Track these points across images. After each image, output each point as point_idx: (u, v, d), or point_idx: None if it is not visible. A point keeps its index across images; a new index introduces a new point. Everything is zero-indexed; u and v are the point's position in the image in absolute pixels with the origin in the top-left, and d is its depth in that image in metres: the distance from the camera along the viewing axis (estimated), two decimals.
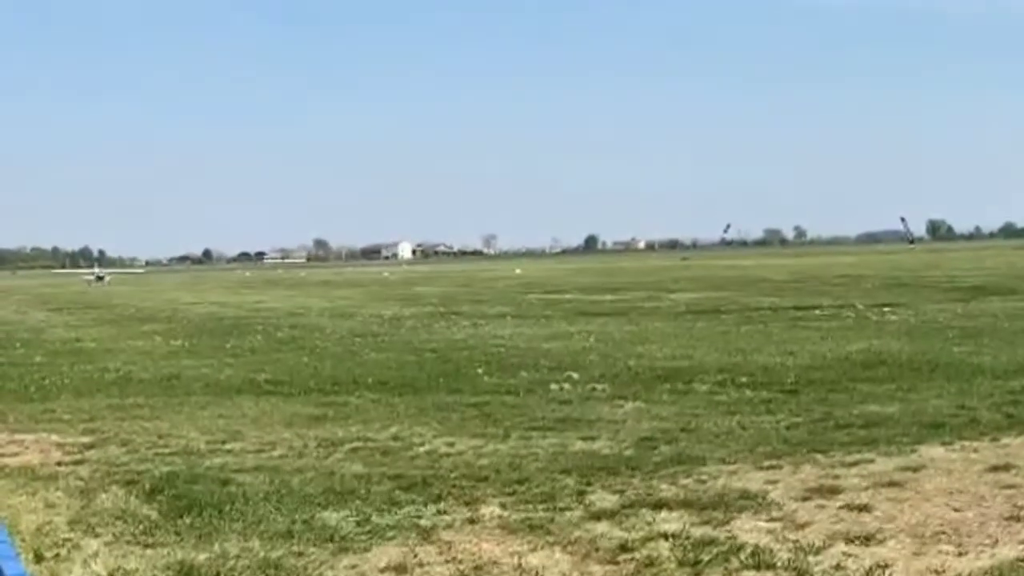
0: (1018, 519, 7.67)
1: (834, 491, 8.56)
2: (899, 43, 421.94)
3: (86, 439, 12.08)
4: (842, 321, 26.15)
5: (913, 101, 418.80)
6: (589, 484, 9.05)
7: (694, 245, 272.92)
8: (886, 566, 6.77)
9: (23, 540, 7.70)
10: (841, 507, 8.11)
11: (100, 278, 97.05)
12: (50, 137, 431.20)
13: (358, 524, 8.04)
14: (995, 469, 9.17)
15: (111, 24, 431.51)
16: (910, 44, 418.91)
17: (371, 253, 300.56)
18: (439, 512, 8.34)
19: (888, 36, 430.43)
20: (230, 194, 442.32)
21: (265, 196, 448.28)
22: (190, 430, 12.48)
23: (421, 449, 10.93)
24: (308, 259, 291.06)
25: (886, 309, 29.51)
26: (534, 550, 7.31)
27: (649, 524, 7.78)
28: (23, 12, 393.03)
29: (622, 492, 8.76)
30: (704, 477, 9.21)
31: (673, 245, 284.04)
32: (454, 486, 9.12)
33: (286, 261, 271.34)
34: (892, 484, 8.74)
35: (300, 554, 7.36)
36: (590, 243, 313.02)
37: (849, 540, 7.27)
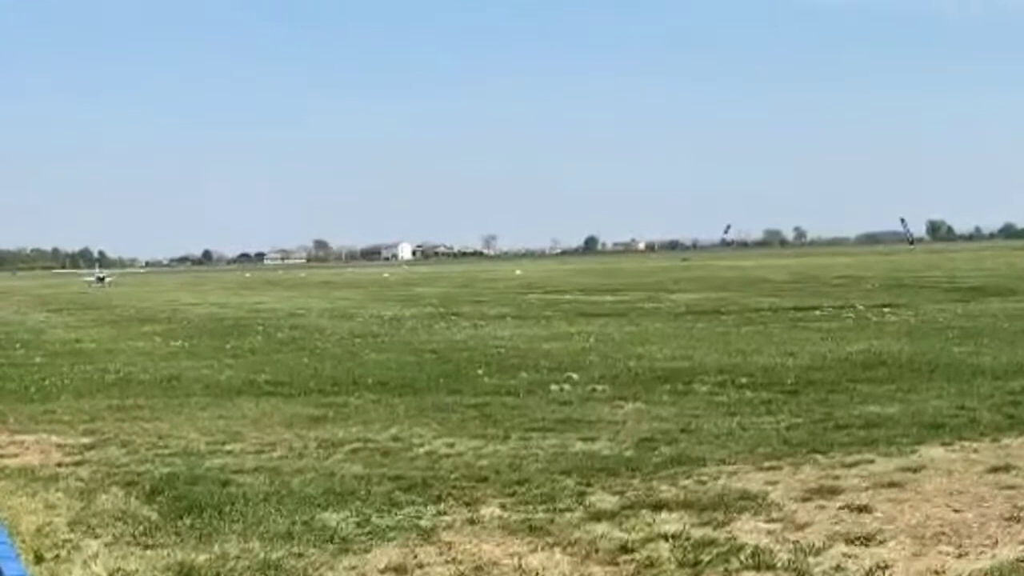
0: (1018, 520, 7.67)
1: (834, 492, 8.56)
2: (899, 44, 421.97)
3: (86, 440, 12.09)
4: (842, 322, 26.15)
5: (913, 101, 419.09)
6: (589, 485, 9.05)
7: (694, 246, 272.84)
8: (886, 567, 6.77)
9: (23, 541, 7.70)
10: (841, 508, 8.11)
11: (101, 279, 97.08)
12: (50, 137, 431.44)
13: (358, 525, 8.04)
14: (995, 470, 9.17)
15: (111, 24, 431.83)
16: (909, 45, 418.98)
17: (371, 254, 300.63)
18: (439, 513, 8.34)
19: (888, 37, 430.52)
20: (230, 195, 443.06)
21: (265, 197, 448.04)
22: (190, 431, 12.49)
23: (421, 450, 10.94)
24: (308, 260, 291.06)
25: (886, 310, 29.52)
26: (534, 551, 7.32)
27: (649, 525, 7.79)
28: (23, 12, 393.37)
29: (622, 493, 8.76)
30: (704, 478, 9.21)
31: (673, 246, 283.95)
32: (454, 487, 9.13)
33: (286, 262, 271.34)
34: (892, 485, 8.74)
35: (300, 555, 7.36)
36: (590, 244, 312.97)
37: (849, 541, 7.28)
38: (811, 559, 6.93)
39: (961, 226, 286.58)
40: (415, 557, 7.27)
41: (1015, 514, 7.81)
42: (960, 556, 6.95)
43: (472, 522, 8.06)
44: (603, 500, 8.56)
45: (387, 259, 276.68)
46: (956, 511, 7.96)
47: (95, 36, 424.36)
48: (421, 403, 14.20)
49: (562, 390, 15.05)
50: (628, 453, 10.38)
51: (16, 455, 11.37)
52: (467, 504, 8.57)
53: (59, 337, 29.98)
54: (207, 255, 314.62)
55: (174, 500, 8.93)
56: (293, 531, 7.88)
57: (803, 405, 13.00)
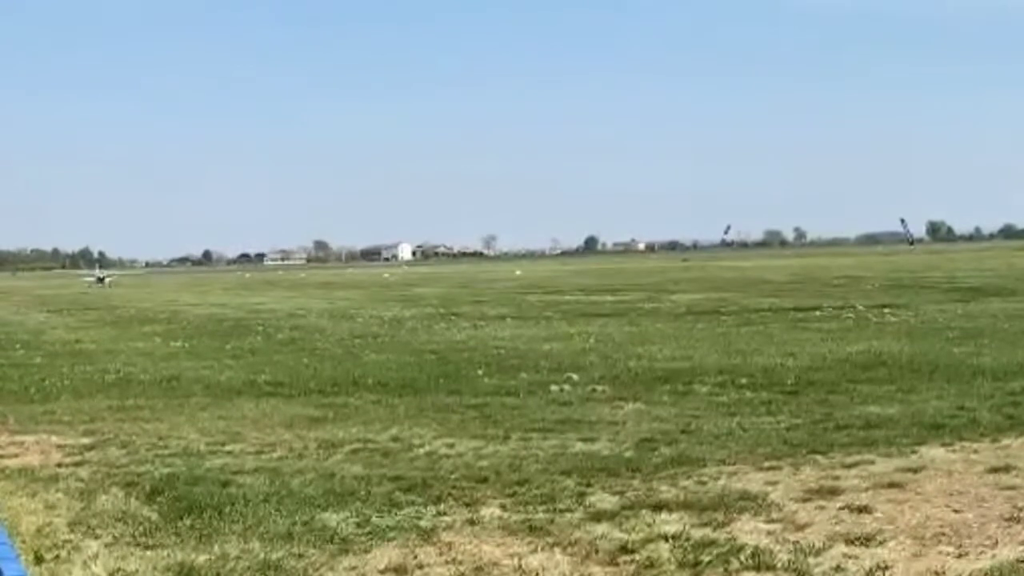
0: (1018, 520, 7.68)
1: (834, 492, 8.57)
2: (898, 44, 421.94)
3: (86, 440, 12.09)
4: (842, 322, 26.15)
5: (913, 102, 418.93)
6: (589, 485, 9.06)
7: (694, 246, 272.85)
8: (886, 567, 6.77)
9: (23, 541, 7.70)
10: (841, 508, 8.11)
11: (101, 279, 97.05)
12: (50, 138, 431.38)
13: (358, 525, 8.04)
14: (995, 470, 9.17)
15: (111, 24, 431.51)
16: (909, 45, 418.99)
17: (371, 254, 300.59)
18: (439, 513, 8.34)
19: (887, 37, 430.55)
20: (230, 195, 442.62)
21: (265, 197, 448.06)
22: (190, 431, 12.49)
23: (421, 450, 10.94)
24: (308, 260, 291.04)
25: (886, 310, 29.51)
26: (534, 551, 7.32)
27: (649, 525, 7.79)
28: (23, 12, 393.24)
29: (622, 493, 8.76)
30: (704, 478, 9.22)
31: (673, 246, 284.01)
32: (454, 487, 9.13)
33: (286, 262, 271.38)
34: (892, 485, 8.75)
35: (300, 555, 7.36)
36: (590, 244, 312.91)
37: (849, 541, 7.28)
38: (811, 559, 6.93)
39: (961, 227, 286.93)
40: (415, 557, 7.27)
41: (1015, 514, 7.81)
42: (960, 556, 6.95)
43: (472, 522, 8.07)
44: (603, 500, 8.57)
45: (387, 259, 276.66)
46: (956, 511, 7.96)
47: (95, 36, 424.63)
48: (421, 404, 14.20)
49: (562, 390, 15.05)
50: (628, 453, 10.39)
51: (16, 455, 11.37)
52: (467, 504, 8.57)
53: (59, 337, 29.98)
54: (207, 255, 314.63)
55: (174, 500, 8.93)
56: (293, 531, 7.88)
57: (803, 405, 13.00)
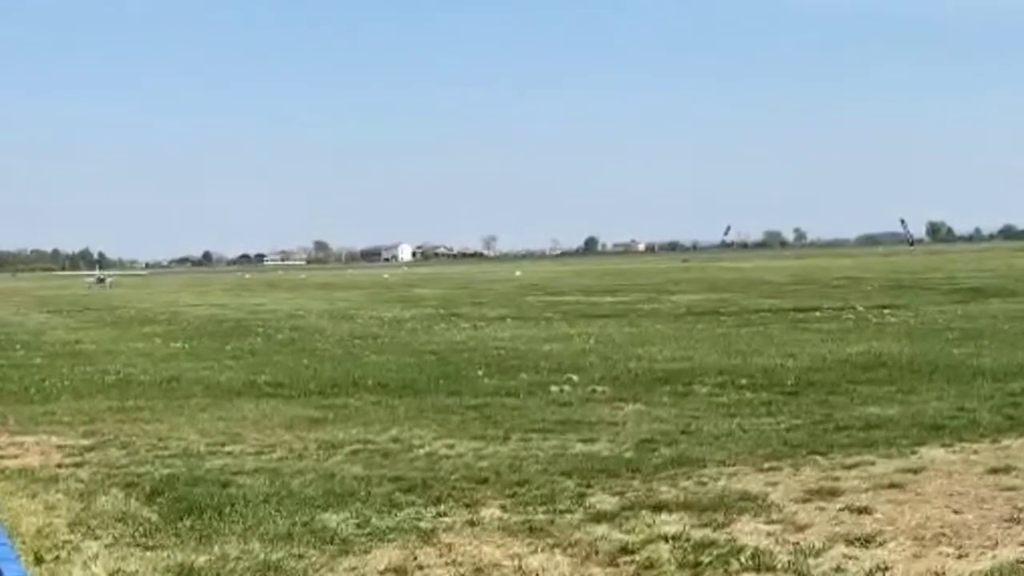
0: (1018, 521, 7.67)
1: (834, 493, 8.56)
2: (898, 44, 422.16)
3: (86, 441, 12.09)
4: (842, 323, 26.15)
5: (912, 102, 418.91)
6: (589, 486, 9.06)
7: (694, 247, 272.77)
8: (886, 568, 6.77)
9: (23, 542, 7.70)
10: (841, 509, 8.11)
11: (101, 280, 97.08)
12: (50, 138, 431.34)
13: (358, 526, 8.04)
14: (995, 471, 9.17)
15: (111, 24, 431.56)
16: (909, 45, 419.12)
17: (371, 255, 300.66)
18: (439, 514, 8.34)
19: (887, 38, 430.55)
20: (230, 196, 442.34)
21: (265, 198, 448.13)
22: (190, 432, 12.49)
23: (421, 451, 10.94)
24: (308, 261, 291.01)
25: (886, 311, 29.52)
26: (534, 552, 7.32)
27: (649, 526, 7.79)
28: (23, 12, 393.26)
29: (622, 494, 8.76)
30: (704, 479, 9.22)
31: (673, 247, 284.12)
32: (454, 488, 9.13)
33: (286, 263, 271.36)
34: (892, 486, 8.75)
35: (300, 556, 7.36)
36: (590, 245, 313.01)
37: (849, 542, 7.28)
38: (811, 560, 6.93)
39: (961, 227, 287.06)
40: (415, 558, 7.27)
41: (1015, 515, 7.81)
42: (960, 557, 6.95)
43: (472, 523, 8.06)
44: (603, 501, 8.57)
45: (387, 260, 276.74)
46: (956, 512, 7.96)
47: (95, 36, 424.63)
48: (421, 404, 14.20)
49: (562, 391, 15.05)
50: (628, 454, 10.39)
51: (16, 456, 11.37)
52: (467, 505, 8.57)
53: (59, 338, 29.98)
54: (207, 256, 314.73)
55: (174, 501, 8.93)
56: (293, 532, 7.88)
57: (803, 406, 13.00)
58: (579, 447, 10.86)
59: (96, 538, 7.96)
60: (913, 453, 10.01)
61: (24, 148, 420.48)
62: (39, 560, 7.41)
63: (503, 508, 8.46)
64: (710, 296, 42.99)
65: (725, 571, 6.84)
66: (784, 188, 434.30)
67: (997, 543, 7.21)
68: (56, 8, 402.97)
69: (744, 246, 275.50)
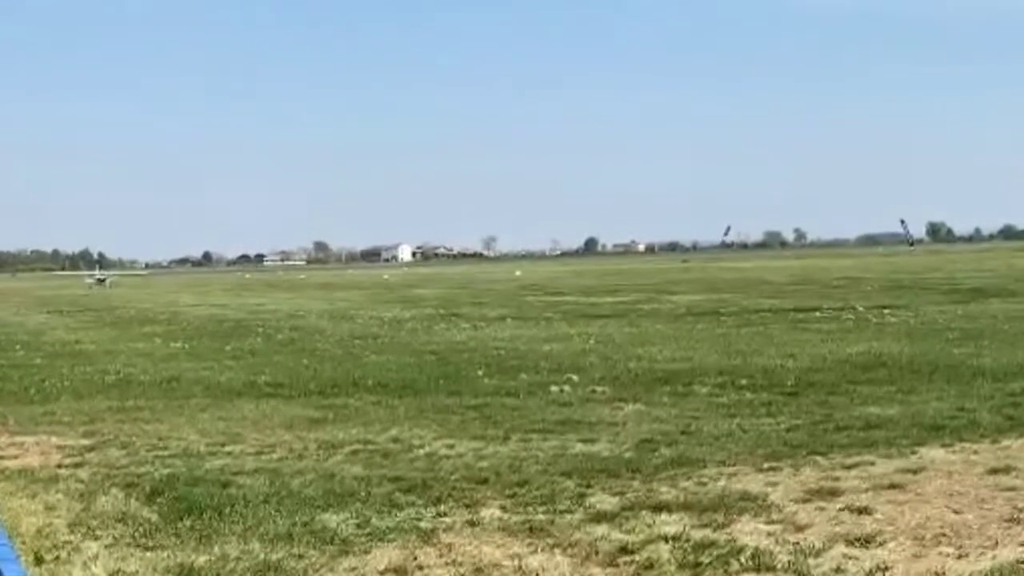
0: (1018, 521, 7.67)
1: (834, 493, 8.57)
2: (898, 45, 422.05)
3: (86, 441, 12.09)
4: (842, 323, 26.15)
5: (912, 102, 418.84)
6: (589, 486, 9.06)
7: (694, 247, 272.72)
8: (886, 568, 6.77)
9: (23, 542, 7.70)
10: (841, 509, 8.11)
11: (101, 281, 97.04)
12: (50, 138, 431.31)
13: (358, 526, 8.04)
14: (995, 471, 9.17)
15: (111, 24, 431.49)
16: (908, 46, 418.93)
17: (371, 255, 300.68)
18: (439, 514, 8.34)
19: (887, 38, 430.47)
20: (230, 196, 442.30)
21: (265, 198, 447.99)
22: (190, 432, 12.49)
23: (421, 451, 10.93)
24: (308, 261, 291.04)
25: (886, 311, 29.52)
26: (534, 552, 7.32)
27: (649, 526, 7.79)
28: (23, 12, 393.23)
29: (622, 494, 8.76)
30: (704, 479, 9.22)
31: (673, 247, 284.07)
32: (454, 488, 9.13)
33: (286, 263, 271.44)
34: (892, 486, 8.75)
35: (300, 556, 7.36)
36: (590, 245, 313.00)
37: (849, 542, 7.28)
38: (811, 560, 6.93)
39: (961, 228, 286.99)
40: (415, 559, 7.27)
41: (1015, 515, 7.81)
42: (960, 557, 6.95)
43: (472, 524, 8.07)
44: (603, 501, 8.57)
45: (387, 260, 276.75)
46: (956, 512, 7.96)
47: (95, 36, 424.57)
48: (421, 404, 14.20)
49: (562, 391, 15.04)
50: (628, 454, 10.38)
51: (16, 456, 11.37)
52: (467, 506, 8.57)
53: (59, 338, 29.98)
54: (207, 256, 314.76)
55: (174, 501, 8.93)
56: (293, 532, 7.88)
57: (803, 407, 13.00)
58: (579, 447, 10.86)
59: (96, 538, 7.96)
60: (913, 453, 10.01)
61: (24, 148, 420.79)
62: (39, 560, 7.41)
63: (503, 508, 8.46)
64: (710, 296, 42.99)
65: (725, 571, 6.84)
66: (784, 188, 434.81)
67: (997, 543, 7.21)
68: (56, 8, 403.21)
69: (744, 246, 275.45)
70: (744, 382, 15.25)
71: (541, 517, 8.15)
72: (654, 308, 35.85)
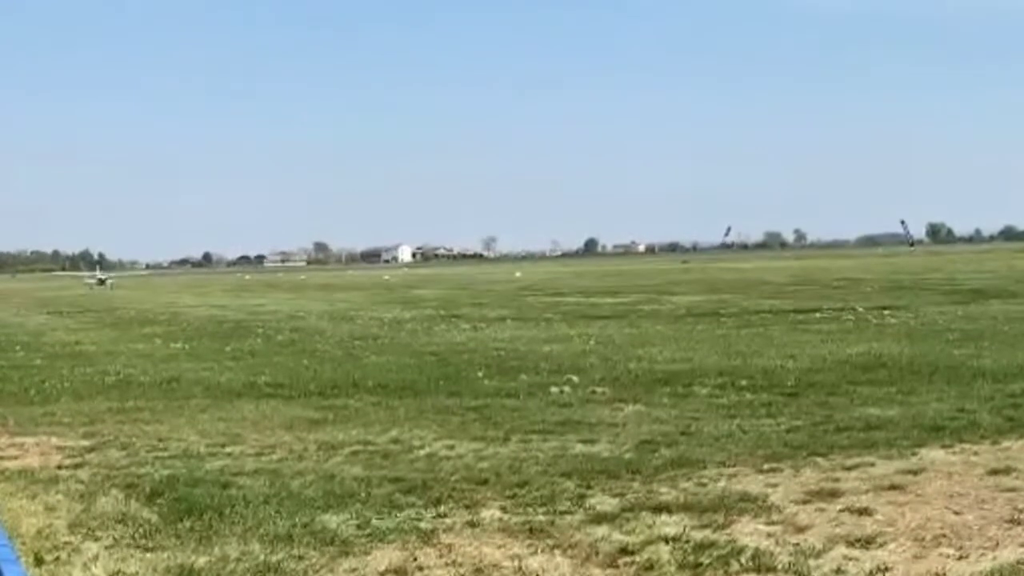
0: (1019, 522, 7.68)
1: (834, 494, 8.57)
2: (898, 45, 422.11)
3: (86, 442, 12.09)
4: (842, 324, 26.15)
5: (912, 103, 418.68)
6: (589, 487, 9.06)
7: (694, 248, 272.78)
8: (886, 569, 6.77)
9: (23, 543, 7.70)
10: (841, 510, 8.11)
11: (102, 281, 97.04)
12: (50, 138, 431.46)
13: (358, 527, 8.04)
14: (995, 472, 9.17)
15: (111, 24, 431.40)
16: (909, 46, 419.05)
17: (371, 256, 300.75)
18: (439, 515, 8.34)
19: (887, 39, 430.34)
20: (230, 197, 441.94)
21: (265, 199, 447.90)
22: (190, 433, 12.49)
23: (421, 452, 10.94)
24: (308, 262, 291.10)
25: (886, 312, 29.51)
26: (534, 553, 7.32)
27: (649, 527, 7.79)
28: (23, 12, 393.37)
29: (622, 495, 8.76)
30: (704, 480, 9.22)
31: (673, 248, 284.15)
32: (454, 489, 9.13)
33: (286, 264, 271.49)
34: (892, 487, 8.75)
35: (300, 557, 7.36)
36: (590, 246, 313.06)
37: (849, 543, 7.28)
38: (811, 561, 6.93)
39: (961, 228, 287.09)
40: (415, 559, 7.27)
41: (1015, 516, 7.81)
42: (961, 558, 6.95)
43: (472, 524, 8.07)
44: (603, 502, 8.57)
45: (387, 261, 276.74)
46: (956, 513, 7.96)
47: (95, 36, 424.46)
48: (421, 405, 14.20)
49: (562, 392, 15.04)
50: (628, 455, 10.38)
51: (16, 457, 11.37)
52: (467, 506, 8.57)
53: (59, 339, 29.98)
54: (207, 257, 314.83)
55: (174, 502, 8.93)
56: (293, 533, 7.88)
57: (803, 407, 13.00)
58: (579, 448, 10.85)
59: (96, 539, 7.96)
60: (913, 454, 10.01)
61: (24, 148, 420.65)
62: (39, 561, 7.41)
63: (503, 509, 8.46)
64: (710, 297, 42.99)
65: (725, 572, 6.84)
66: (784, 189, 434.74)
67: (997, 544, 7.21)
68: (56, 8, 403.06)
69: (744, 247, 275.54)
70: (744, 383, 15.25)
71: (541, 518, 8.15)
72: (654, 309, 35.85)
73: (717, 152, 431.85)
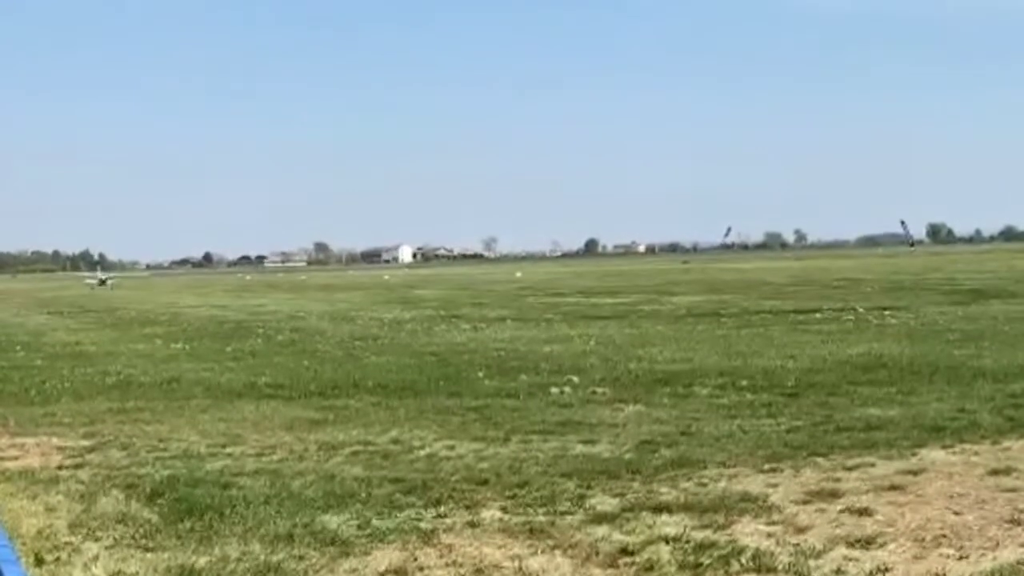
0: (1019, 522, 7.67)
1: (835, 494, 8.57)
2: (898, 45, 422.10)
3: (87, 442, 12.09)
4: (842, 324, 26.15)
5: (912, 103, 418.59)
6: (589, 487, 9.06)
7: (695, 248, 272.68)
8: (887, 570, 6.77)
9: (24, 543, 7.70)
10: (842, 511, 8.11)
11: (103, 282, 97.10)
12: (50, 138, 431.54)
13: (359, 527, 8.05)
14: (996, 472, 9.17)
15: (111, 24, 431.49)
16: (909, 47, 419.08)
17: (371, 256, 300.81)
18: (439, 515, 8.34)
19: (887, 39, 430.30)
20: (230, 197, 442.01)
21: (265, 199, 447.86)
22: (190, 433, 12.49)
23: (421, 452, 10.94)
24: (309, 263, 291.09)
25: (886, 312, 29.51)
26: (534, 554, 7.32)
27: (649, 527, 7.79)
28: (23, 12, 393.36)
29: (622, 495, 8.76)
30: (705, 480, 9.22)
31: (674, 248, 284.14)
32: (454, 489, 9.13)
33: (287, 264, 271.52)
34: (893, 488, 8.75)
35: (301, 557, 7.36)
36: (590, 246, 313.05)
37: (850, 544, 7.28)
38: (812, 562, 6.93)
39: (961, 229, 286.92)
40: (415, 560, 7.27)
41: (1016, 516, 7.81)
42: (961, 559, 6.95)
43: (472, 525, 8.07)
44: (603, 503, 8.57)
45: (387, 262, 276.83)
46: (957, 514, 7.96)
47: (95, 36, 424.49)
48: (421, 406, 14.20)
49: (562, 393, 15.04)
50: (628, 456, 10.39)
51: (17, 458, 11.37)
52: (467, 507, 8.57)
53: (59, 339, 29.99)
54: (208, 257, 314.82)
55: (174, 503, 8.93)
56: (294, 533, 7.89)
57: (803, 408, 13.00)
58: (579, 448, 10.86)
59: (96, 539, 7.96)
60: (913, 455, 10.01)
61: (24, 148, 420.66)
62: (40, 561, 7.41)
63: (503, 509, 8.46)
64: (710, 297, 42.99)
65: (726, 572, 6.84)
66: (784, 189, 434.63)
67: (998, 544, 7.21)
68: (56, 8, 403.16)
69: (744, 247, 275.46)
70: (744, 383, 15.25)
71: (541, 518, 8.15)
72: (654, 309, 35.85)
73: (717, 152, 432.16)
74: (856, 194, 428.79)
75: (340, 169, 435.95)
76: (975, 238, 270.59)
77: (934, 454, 10.02)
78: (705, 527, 7.76)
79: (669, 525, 7.82)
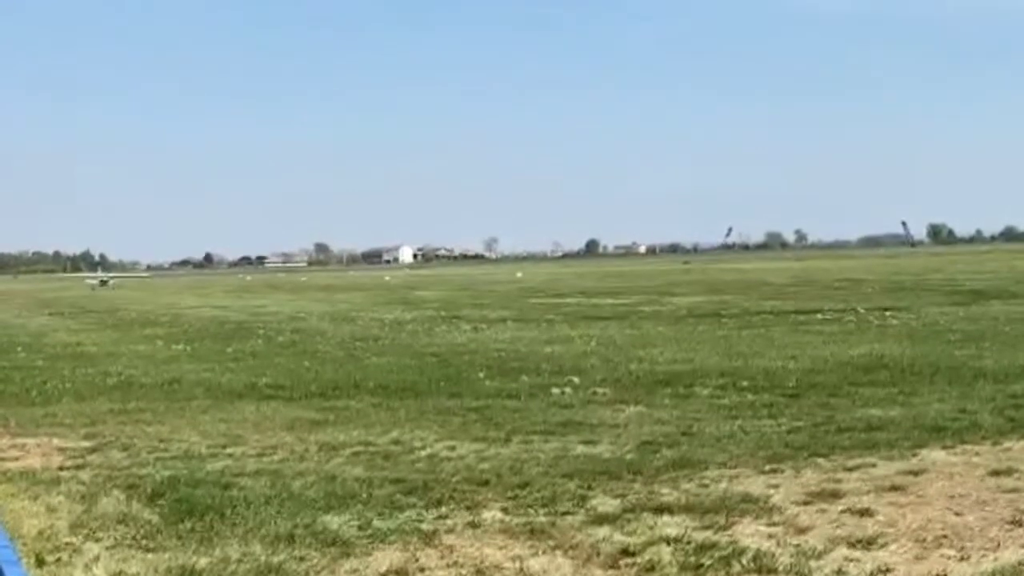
0: (1020, 523, 7.67)
1: (836, 495, 8.56)
2: (898, 46, 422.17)
3: (87, 443, 12.09)
4: (843, 325, 26.15)
5: (913, 104, 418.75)
6: (590, 488, 9.05)
7: (695, 249, 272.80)
8: (888, 570, 6.77)
9: (24, 544, 7.70)
10: (843, 511, 8.11)
11: (104, 282, 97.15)
12: (50, 139, 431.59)
13: (359, 528, 8.04)
14: (997, 473, 9.17)
15: (110, 25, 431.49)
16: (910, 48, 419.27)
17: (372, 257, 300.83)
18: (440, 516, 8.34)
19: (888, 40, 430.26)
20: (231, 198, 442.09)
21: (266, 200, 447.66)
22: (191, 434, 12.49)
23: (422, 453, 10.94)
24: (309, 263, 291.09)
25: (887, 313, 29.51)
26: (535, 554, 7.32)
27: (650, 528, 7.79)
28: (23, 12, 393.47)
29: (623, 496, 8.76)
30: (706, 481, 9.21)
31: (674, 249, 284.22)
32: (455, 490, 9.13)
33: (287, 265, 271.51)
34: (894, 488, 8.74)
35: (301, 558, 7.36)
36: (591, 247, 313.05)
37: (851, 544, 7.28)
38: (813, 563, 6.93)
39: (962, 229, 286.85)
40: (416, 560, 7.27)
41: (1017, 517, 7.81)
42: (962, 559, 6.95)
43: (473, 525, 8.07)
44: (604, 503, 8.57)
45: (388, 262, 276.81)
46: (958, 514, 7.96)
47: (95, 36, 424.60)
48: (422, 406, 14.20)
49: (563, 393, 15.04)
50: (629, 456, 10.38)
51: (17, 458, 11.37)
52: (468, 507, 8.57)
53: (60, 340, 30.00)
54: (208, 258, 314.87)
55: (175, 503, 8.93)
56: (295, 534, 7.88)
57: (804, 408, 13.00)
58: (580, 449, 10.86)
59: (97, 540, 7.96)
60: (914, 455, 10.01)
61: (24, 148, 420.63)
62: (41, 562, 7.41)
63: (504, 510, 8.46)
64: (711, 298, 42.99)
65: (727, 573, 6.84)
66: (785, 189, 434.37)
67: (999, 545, 7.21)
68: (56, 8, 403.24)
69: (745, 248, 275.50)
70: (745, 384, 15.25)
71: (542, 519, 8.15)
72: (655, 310, 35.85)
73: (717, 152, 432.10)
74: (857, 194, 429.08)
75: (340, 169, 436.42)
76: (976, 238, 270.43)
77: (935, 455, 10.01)
78: (706, 528, 7.76)
79: (670, 526, 7.82)
